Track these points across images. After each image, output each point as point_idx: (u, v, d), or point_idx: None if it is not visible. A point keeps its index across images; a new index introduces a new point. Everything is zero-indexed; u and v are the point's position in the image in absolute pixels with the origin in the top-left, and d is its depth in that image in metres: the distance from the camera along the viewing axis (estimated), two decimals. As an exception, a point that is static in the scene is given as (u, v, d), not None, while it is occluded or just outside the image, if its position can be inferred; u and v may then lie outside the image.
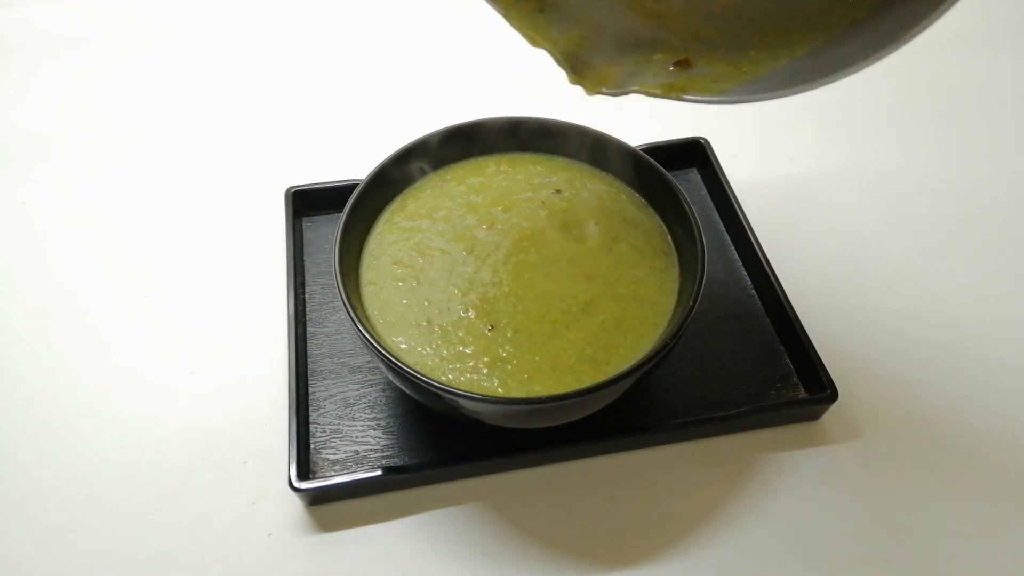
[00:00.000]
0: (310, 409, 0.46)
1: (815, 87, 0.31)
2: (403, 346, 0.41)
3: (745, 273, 0.52)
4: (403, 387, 0.41)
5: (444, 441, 0.44)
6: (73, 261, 0.55)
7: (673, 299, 0.43)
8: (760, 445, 0.45)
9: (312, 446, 0.44)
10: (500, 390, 0.39)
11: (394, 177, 0.47)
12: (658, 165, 0.46)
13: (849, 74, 0.30)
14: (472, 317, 0.42)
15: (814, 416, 0.46)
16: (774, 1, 0.35)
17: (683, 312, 0.39)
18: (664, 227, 0.46)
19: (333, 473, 0.43)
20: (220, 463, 0.45)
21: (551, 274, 0.43)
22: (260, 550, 0.41)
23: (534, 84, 0.68)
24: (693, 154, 0.58)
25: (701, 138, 0.58)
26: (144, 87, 0.68)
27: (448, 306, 0.42)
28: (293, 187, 0.55)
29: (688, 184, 0.58)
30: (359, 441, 0.45)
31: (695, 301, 0.40)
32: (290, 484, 0.41)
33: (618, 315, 0.42)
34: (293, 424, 0.43)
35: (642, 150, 0.47)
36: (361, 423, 0.45)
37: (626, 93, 0.36)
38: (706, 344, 0.49)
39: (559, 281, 0.43)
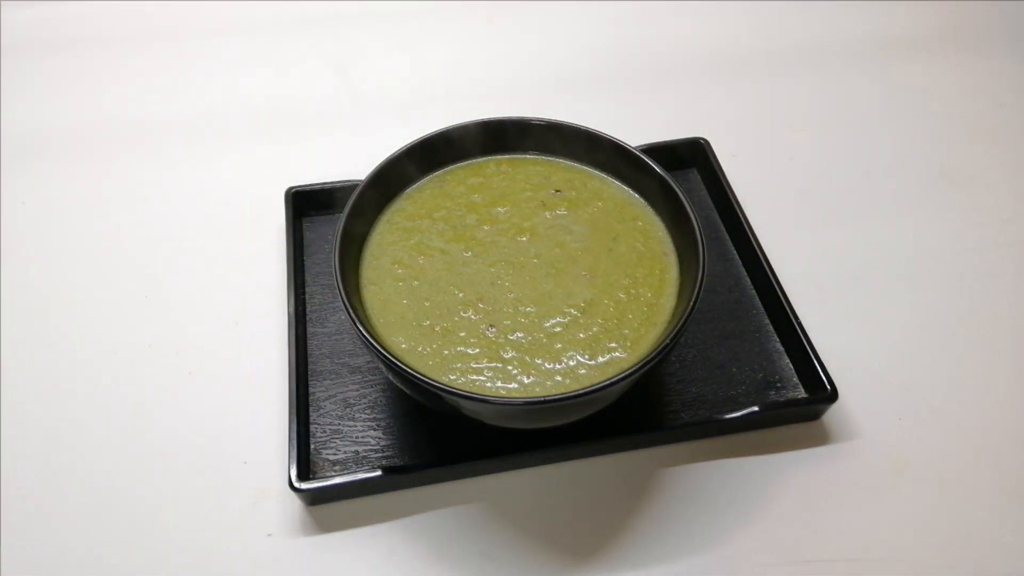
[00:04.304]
0: (310, 409, 0.46)
1: None
2: (403, 346, 0.41)
3: (745, 273, 0.52)
4: (403, 387, 0.41)
5: (444, 441, 0.44)
6: (73, 261, 0.55)
7: (673, 299, 0.43)
8: (760, 445, 0.45)
9: (312, 446, 0.44)
10: (501, 391, 0.39)
11: (394, 177, 0.47)
12: (658, 165, 0.46)
13: None
14: (472, 317, 0.42)
15: (814, 416, 0.46)
16: None
17: (683, 312, 0.39)
18: (664, 227, 0.46)
19: (333, 473, 0.43)
20: (220, 463, 0.45)
21: (551, 274, 0.43)
22: (260, 550, 0.41)
23: (535, 85, 0.68)
24: (693, 154, 0.58)
25: (701, 138, 0.58)
26: (145, 87, 0.68)
27: (448, 306, 0.42)
28: (293, 187, 0.55)
29: (688, 184, 0.58)
30: (359, 441, 0.45)
31: (695, 301, 0.39)
32: (290, 484, 0.41)
33: (618, 315, 0.42)
34: (293, 424, 0.43)
35: (642, 150, 0.47)
36: (361, 423, 0.45)
37: None
38: (706, 344, 0.49)
39: (559, 281, 0.43)
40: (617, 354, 0.40)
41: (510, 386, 0.39)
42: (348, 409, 0.46)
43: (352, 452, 0.44)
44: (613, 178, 0.48)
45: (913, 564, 0.41)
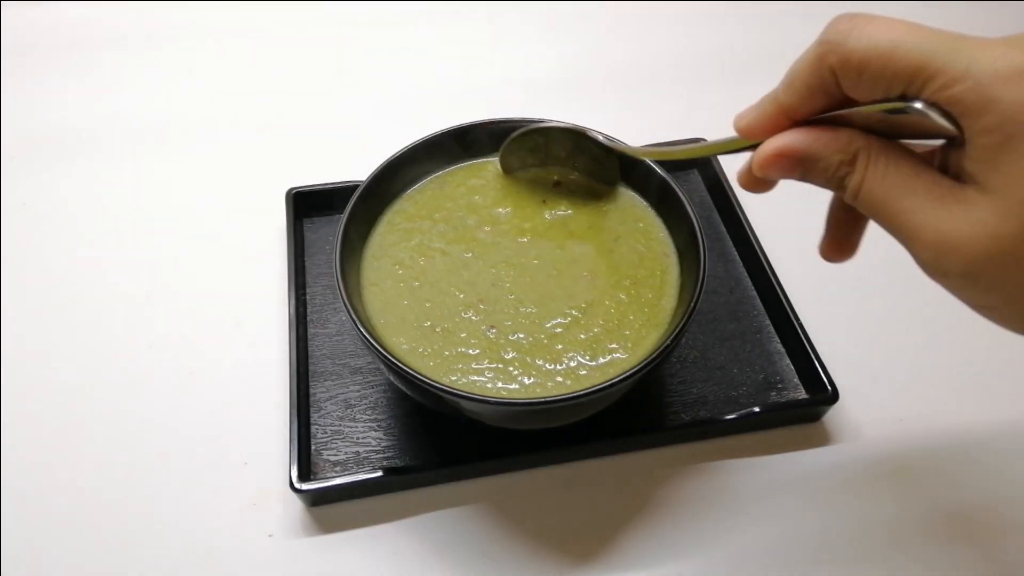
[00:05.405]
0: (311, 410, 0.46)
1: None
2: (404, 347, 0.41)
3: (745, 273, 0.52)
4: (404, 388, 0.41)
5: (445, 442, 0.44)
6: (74, 262, 0.55)
7: (674, 300, 0.43)
8: (761, 446, 0.45)
9: (313, 447, 0.44)
10: (502, 391, 0.39)
11: (395, 178, 0.47)
12: (659, 166, 0.46)
13: None
14: (473, 318, 0.42)
15: (815, 417, 0.46)
16: None
17: (684, 313, 0.39)
18: (665, 228, 0.46)
19: (334, 474, 0.43)
20: (221, 464, 0.45)
21: (552, 275, 0.43)
22: (261, 551, 0.42)
23: (535, 86, 0.68)
24: (693, 155, 0.58)
25: (701, 139, 0.58)
26: (145, 87, 0.68)
27: (449, 307, 0.42)
28: (294, 188, 0.55)
29: (688, 185, 0.58)
30: (360, 442, 0.45)
31: (696, 302, 0.39)
32: (291, 485, 0.41)
33: (619, 316, 0.42)
34: (294, 425, 0.43)
35: (643, 151, 0.47)
36: (362, 424, 0.45)
37: None
38: (707, 345, 0.49)
39: (560, 282, 0.43)
40: (618, 355, 0.40)
41: (511, 387, 0.39)
42: (349, 410, 0.46)
43: (353, 453, 0.44)
44: (614, 179, 0.48)
45: (913, 564, 0.41)
